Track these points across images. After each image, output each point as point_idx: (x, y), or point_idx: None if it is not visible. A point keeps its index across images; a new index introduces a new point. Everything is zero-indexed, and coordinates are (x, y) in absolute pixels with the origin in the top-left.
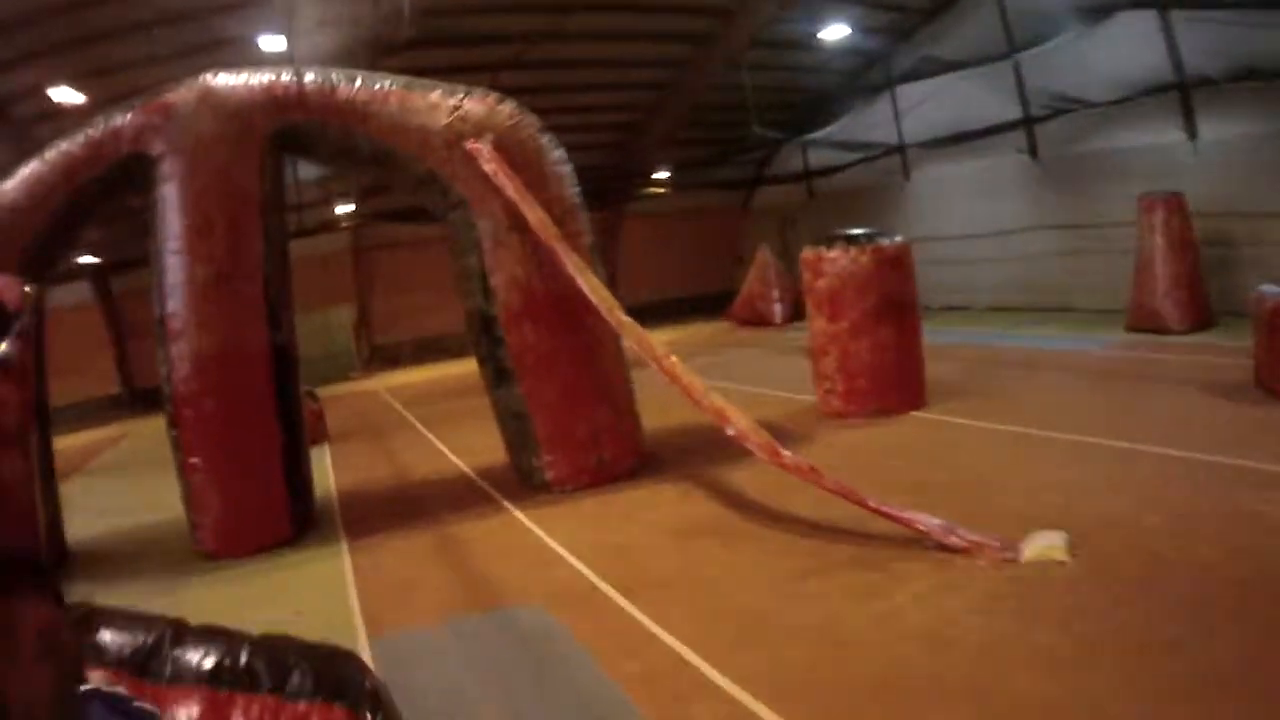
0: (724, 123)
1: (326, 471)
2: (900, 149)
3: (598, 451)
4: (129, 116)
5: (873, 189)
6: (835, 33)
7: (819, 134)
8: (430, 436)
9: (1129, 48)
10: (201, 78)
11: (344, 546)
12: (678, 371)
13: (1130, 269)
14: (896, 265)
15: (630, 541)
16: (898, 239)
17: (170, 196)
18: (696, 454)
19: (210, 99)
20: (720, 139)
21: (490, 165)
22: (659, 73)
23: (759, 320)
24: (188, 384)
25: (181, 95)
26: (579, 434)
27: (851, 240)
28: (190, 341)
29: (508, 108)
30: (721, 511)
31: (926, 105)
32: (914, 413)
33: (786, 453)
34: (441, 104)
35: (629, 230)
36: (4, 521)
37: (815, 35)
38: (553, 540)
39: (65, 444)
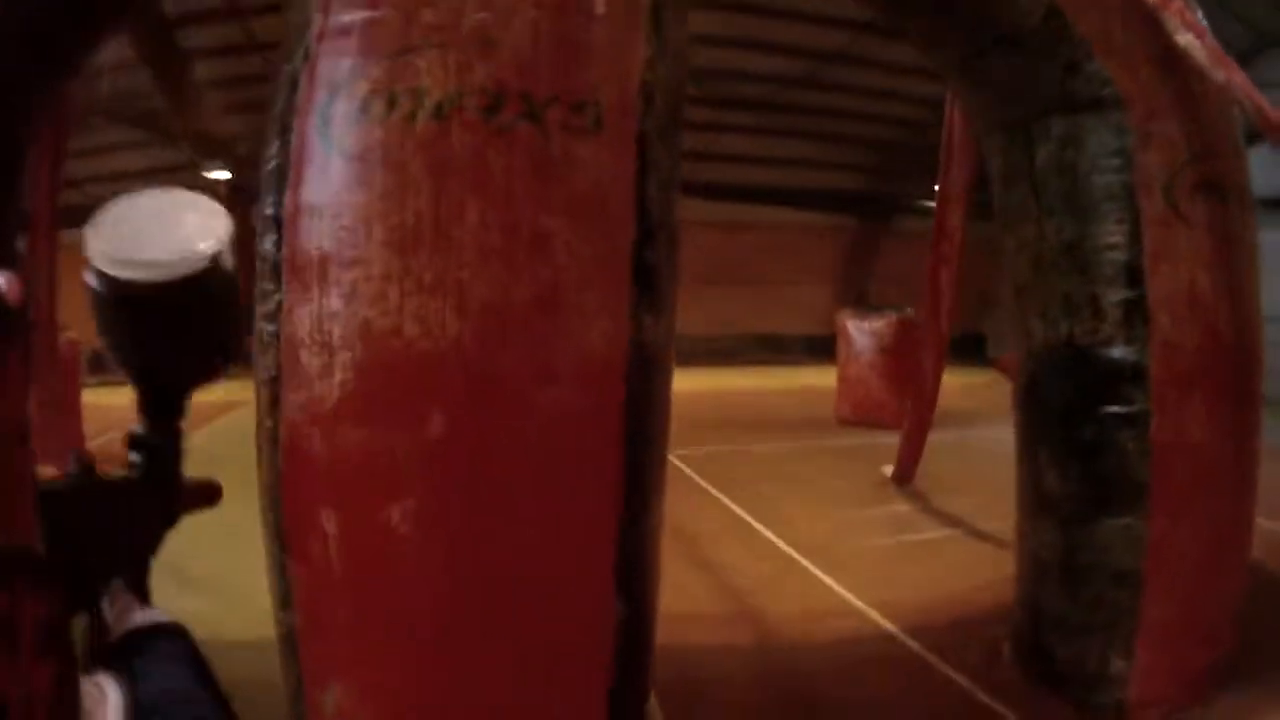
0: None
1: None
2: None
3: (1219, 647)
4: None
5: None
6: None
7: None
8: (753, 523)
9: None
10: None
11: None
12: None
13: None
14: None
15: None
16: None
17: None
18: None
19: None
20: None
21: (1196, 39)
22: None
23: None
24: (338, 457)
25: None
26: (1207, 616)
27: None
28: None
29: None
30: None
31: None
32: None
33: None
34: None
35: (886, 249)
36: (5, 515)
37: None
38: None
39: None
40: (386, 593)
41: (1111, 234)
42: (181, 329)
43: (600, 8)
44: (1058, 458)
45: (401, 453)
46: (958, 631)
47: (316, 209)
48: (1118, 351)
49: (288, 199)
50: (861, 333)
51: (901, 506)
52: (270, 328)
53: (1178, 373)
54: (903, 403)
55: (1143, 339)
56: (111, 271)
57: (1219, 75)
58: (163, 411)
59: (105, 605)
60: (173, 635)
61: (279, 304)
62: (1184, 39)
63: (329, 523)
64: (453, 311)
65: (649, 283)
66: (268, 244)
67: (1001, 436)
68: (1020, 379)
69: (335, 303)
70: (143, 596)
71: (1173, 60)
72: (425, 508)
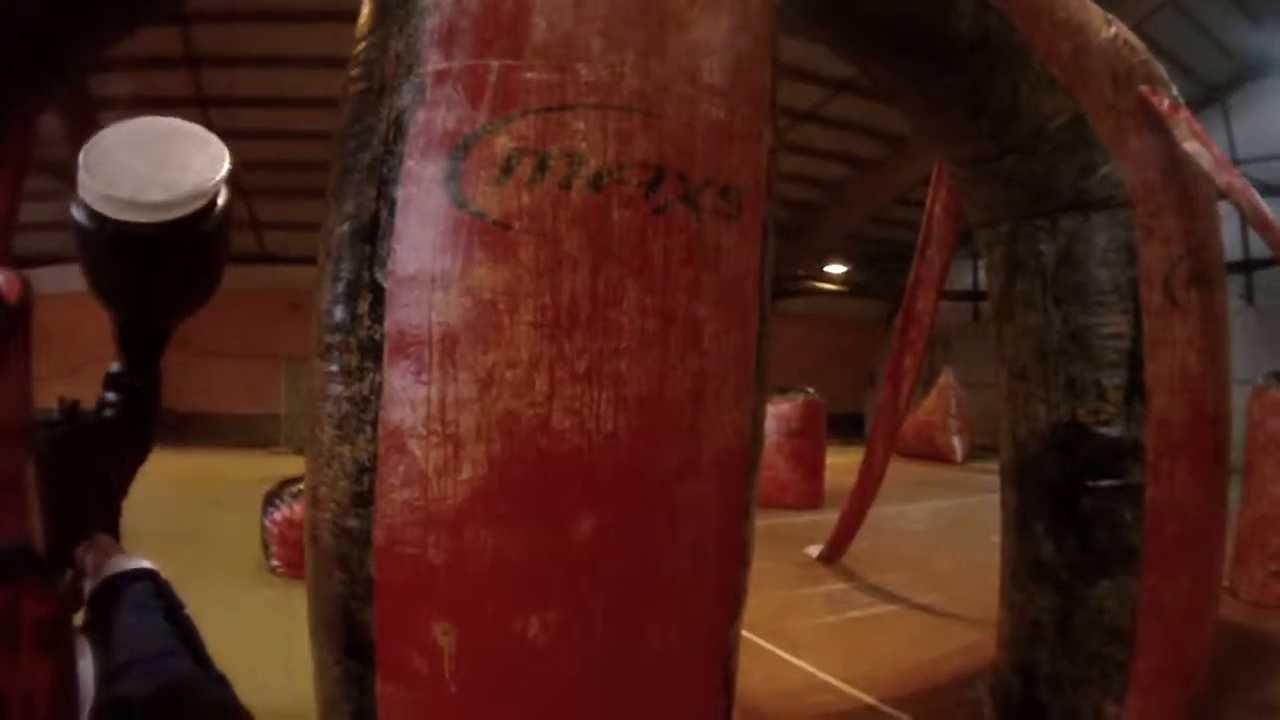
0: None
1: None
2: None
3: (1195, 686)
4: None
5: None
6: None
7: None
8: None
9: None
10: None
11: None
12: None
13: None
14: None
15: None
16: None
17: None
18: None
19: None
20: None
21: (1195, 141)
22: (871, 146)
23: (934, 455)
24: (462, 562)
25: None
26: (1190, 658)
27: None
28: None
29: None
30: None
31: None
32: None
33: None
34: (1097, 11)
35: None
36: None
37: None
38: None
39: None
40: (520, 711)
41: (1116, 323)
42: (175, 267)
43: (740, 91)
44: (1055, 529)
45: (544, 557)
46: (938, 698)
47: (438, 278)
48: (1117, 430)
49: (391, 263)
50: (769, 415)
51: (836, 585)
52: (359, 412)
53: (1169, 444)
54: (808, 484)
55: (1140, 417)
56: (107, 213)
57: (1221, 179)
58: (145, 349)
59: (81, 552)
60: (146, 581)
61: (375, 385)
62: (1191, 146)
63: (444, 636)
64: (609, 403)
65: (762, 375)
66: (355, 311)
67: (904, 512)
68: (1013, 458)
69: (466, 389)
70: (115, 536)
71: (1175, 163)
72: (569, 616)
